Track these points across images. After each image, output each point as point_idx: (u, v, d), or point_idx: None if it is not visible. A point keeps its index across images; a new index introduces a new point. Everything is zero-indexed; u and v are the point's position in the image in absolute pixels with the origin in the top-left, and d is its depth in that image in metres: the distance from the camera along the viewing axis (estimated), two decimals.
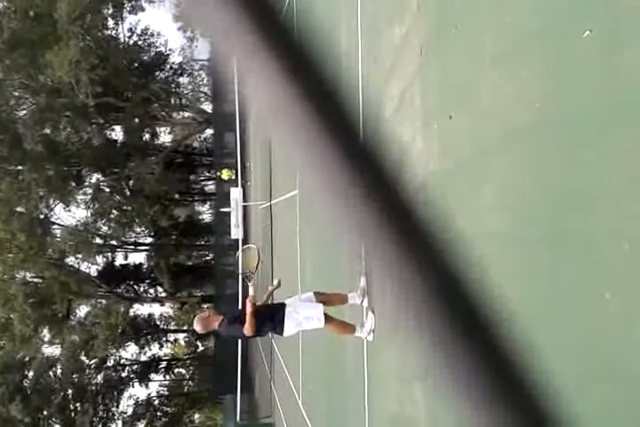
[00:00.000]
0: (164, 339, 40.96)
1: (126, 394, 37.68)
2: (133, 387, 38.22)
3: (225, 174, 22.34)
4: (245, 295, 6.04)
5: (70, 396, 34.29)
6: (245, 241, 23.67)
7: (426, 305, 0.47)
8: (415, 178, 4.45)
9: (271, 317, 5.85)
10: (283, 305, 6.00)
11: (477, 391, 0.48)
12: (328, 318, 5.88)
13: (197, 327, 5.83)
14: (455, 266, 0.47)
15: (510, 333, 0.48)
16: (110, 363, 37.45)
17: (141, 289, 39.97)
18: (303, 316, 5.82)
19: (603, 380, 2.49)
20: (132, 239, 39.63)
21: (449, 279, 0.47)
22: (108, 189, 34.75)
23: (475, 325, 0.48)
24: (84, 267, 35.66)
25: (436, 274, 0.47)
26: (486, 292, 0.48)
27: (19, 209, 30.13)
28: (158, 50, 35.99)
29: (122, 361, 38.26)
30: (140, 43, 34.96)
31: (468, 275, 0.48)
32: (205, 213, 44.99)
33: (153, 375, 39.84)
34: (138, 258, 41.77)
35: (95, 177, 34.89)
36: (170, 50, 36.90)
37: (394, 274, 0.47)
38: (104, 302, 36.65)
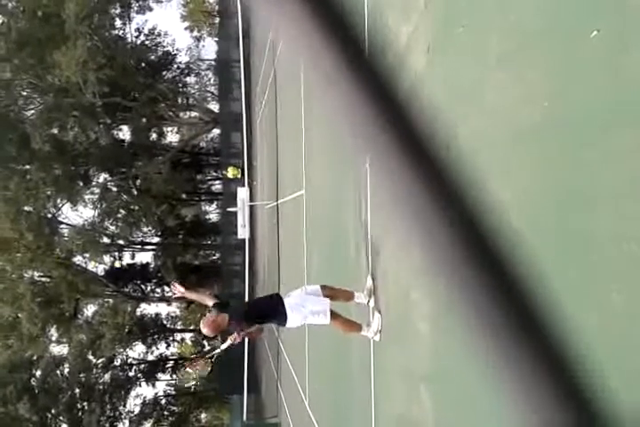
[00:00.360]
0: (171, 338, 41.06)
1: (133, 393, 37.80)
2: (140, 386, 38.34)
3: (230, 173, 22.26)
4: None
5: (78, 395, 34.40)
6: (252, 241, 23.70)
7: (428, 217, 0.47)
8: None
9: (274, 311, 5.80)
10: (279, 297, 5.99)
11: (489, 322, 0.48)
12: (334, 315, 5.80)
13: (206, 331, 5.66)
14: (457, 173, 0.47)
15: (519, 258, 0.47)
16: (117, 362, 37.56)
17: (148, 289, 40.07)
18: (310, 310, 5.73)
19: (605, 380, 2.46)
20: (139, 239, 39.73)
21: (453, 191, 0.47)
22: (115, 189, 34.83)
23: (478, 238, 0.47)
24: (91, 266, 35.80)
25: (439, 183, 0.46)
26: (490, 207, 0.47)
27: (26, 208, 30.24)
28: (165, 50, 36.07)
29: (129, 360, 38.37)
30: (147, 42, 35.04)
31: (471, 188, 0.47)
32: (212, 212, 45.09)
33: (160, 375, 39.94)
34: (145, 257, 41.88)
35: (102, 177, 34.99)
36: (177, 50, 37.02)
37: (397, 183, 0.47)
38: (111, 301, 36.76)
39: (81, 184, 32.90)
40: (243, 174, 22.30)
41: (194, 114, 38.43)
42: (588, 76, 2.68)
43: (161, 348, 39.96)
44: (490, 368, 0.48)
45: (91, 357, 35.28)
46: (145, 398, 38.30)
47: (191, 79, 38.18)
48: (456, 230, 0.47)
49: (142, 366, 38.83)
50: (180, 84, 36.73)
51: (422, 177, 0.46)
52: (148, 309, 39.87)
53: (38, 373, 33.90)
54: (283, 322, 5.84)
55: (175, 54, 36.68)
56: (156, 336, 39.39)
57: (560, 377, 0.48)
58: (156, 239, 40.51)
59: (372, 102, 0.46)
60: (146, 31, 34.92)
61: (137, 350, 38.84)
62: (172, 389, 40.88)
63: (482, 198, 0.45)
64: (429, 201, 0.46)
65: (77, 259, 34.06)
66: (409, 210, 0.41)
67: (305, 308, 5.74)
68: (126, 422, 36.74)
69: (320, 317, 5.75)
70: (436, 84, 4.56)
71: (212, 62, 38.55)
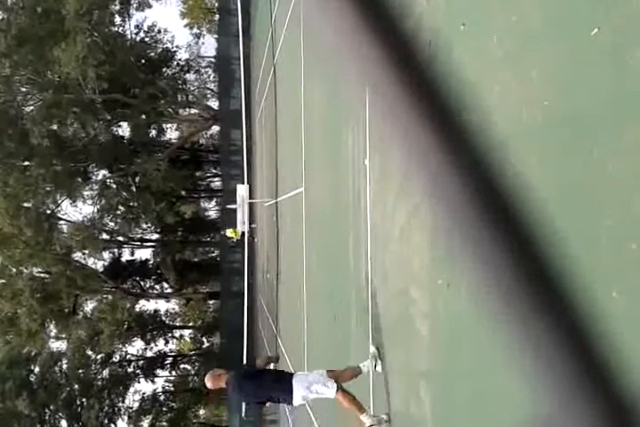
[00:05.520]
0: (170, 335, 41.08)
1: (132, 389, 37.83)
2: (139, 382, 38.36)
3: (229, 233, 22.46)
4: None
5: (76, 391, 34.43)
6: (252, 239, 23.72)
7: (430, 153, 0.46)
8: None
9: (280, 386, 5.94)
10: (290, 376, 6.11)
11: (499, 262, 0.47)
12: (342, 392, 5.89)
13: (208, 383, 6.11)
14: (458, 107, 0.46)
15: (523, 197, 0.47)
16: (116, 358, 37.58)
17: (147, 285, 40.08)
18: (315, 390, 5.91)
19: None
20: (139, 235, 39.72)
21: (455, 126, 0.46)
22: (114, 186, 34.81)
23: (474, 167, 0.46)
24: (90, 262, 35.80)
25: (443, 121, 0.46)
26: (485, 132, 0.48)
27: (26, 204, 30.21)
28: (165, 46, 36.04)
29: (128, 357, 38.39)
30: (146, 39, 34.99)
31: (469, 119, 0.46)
32: (211, 209, 45.10)
33: (158, 371, 39.97)
34: (144, 254, 41.93)
35: (102, 173, 34.98)
36: (176, 46, 36.98)
37: (398, 118, 0.46)
38: (110, 297, 36.76)
39: (80, 180, 32.88)
40: (243, 235, 22.51)
41: (193, 111, 38.40)
42: (590, 73, 2.68)
43: (160, 344, 40.01)
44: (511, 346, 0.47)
45: (90, 353, 35.30)
46: (144, 394, 38.36)
47: (191, 76, 38.17)
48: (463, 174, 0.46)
49: (141, 362, 38.87)
50: (180, 81, 36.69)
51: (423, 112, 0.45)
52: (146, 305, 39.91)
53: (37, 369, 33.91)
54: (289, 401, 5.99)
55: (175, 51, 36.67)
56: (154, 333, 39.41)
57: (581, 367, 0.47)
58: (155, 236, 40.51)
59: (376, 34, 0.45)
60: (145, 28, 34.91)
61: (136, 347, 38.89)
62: (171, 385, 40.92)
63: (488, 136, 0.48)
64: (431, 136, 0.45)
65: (76, 255, 34.09)
66: (410, 142, 0.47)
67: (311, 389, 5.89)
68: (125, 417, 36.80)
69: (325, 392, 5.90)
70: None
71: (212, 59, 38.51)
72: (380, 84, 0.45)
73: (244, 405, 6.46)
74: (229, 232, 22.06)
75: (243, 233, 22.28)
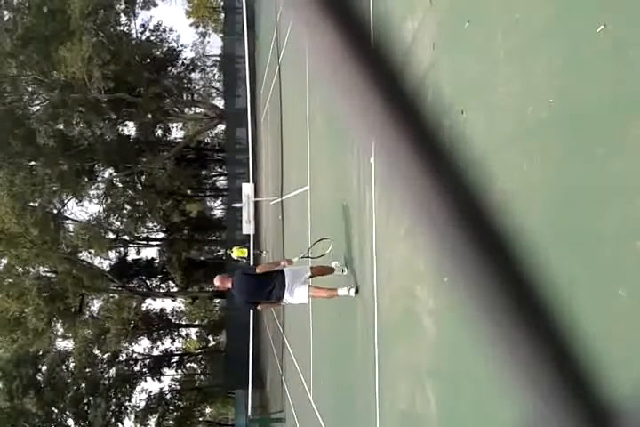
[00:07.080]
0: (176, 333, 41.18)
1: (138, 388, 37.94)
2: (146, 381, 38.47)
3: (235, 253, 22.06)
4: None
5: (83, 390, 34.54)
6: (257, 237, 23.74)
7: (434, 202, 0.47)
8: None
9: (276, 278, 7.20)
10: (282, 273, 7.28)
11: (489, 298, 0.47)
12: (315, 290, 7.38)
13: (216, 282, 7.52)
14: (459, 162, 0.47)
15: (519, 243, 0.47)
16: (123, 357, 37.70)
17: (153, 284, 40.17)
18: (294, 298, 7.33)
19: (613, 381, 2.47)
20: (145, 234, 39.80)
21: (456, 175, 0.46)
22: (120, 185, 34.87)
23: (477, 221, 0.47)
24: (96, 262, 35.89)
25: (443, 170, 0.46)
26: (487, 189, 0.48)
27: (32, 204, 30.29)
28: (170, 45, 36.06)
29: (134, 355, 38.50)
30: (152, 38, 35.03)
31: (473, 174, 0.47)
32: (217, 208, 45.17)
33: (165, 370, 40.07)
34: (150, 253, 41.99)
35: (108, 172, 35.05)
36: (182, 45, 37.00)
37: (401, 168, 0.46)
38: (116, 296, 36.85)
39: (86, 180, 32.94)
40: (248, 254, 22.34)
41: (199, 110, 38.44)
42: (595, 70, 2.68)
43: (166, 343, 40.12)
44: (496, 360, 0.48)
45: (96, 352, 35.42)
46: (150, 392, 38.46)
47: (196, 75, 38.19)
48: (462, 225, 0.47)
49: (147, 361, 38.98)
50: (185, 80, 36.71)
51: (426, 165, 0.46)
52: (153, 304, 40.01)
53: (44, 368, 34.04)
54: (281, 296, 7.21)
55: (180, 50, 36.68)
56: (161, 331, 39.52)
57: (566, 370, 0.47)
58: (161, 235, 40.59)
59: (378, 91, 0.46)
60: (151, 27, 34.93)
61: (142, 345, 39.01)
62: (177, 384, 41.02)
63: (488, 188, 0.48)
64: (433, 189, 0.46)
65: (83, 254, 34.18)
66: (412, 197, 0.47)
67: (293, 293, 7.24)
68: (132, 416, 36.91)
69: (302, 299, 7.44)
70: (441, 80, 4.56)
71: (217, 58, 38.54)
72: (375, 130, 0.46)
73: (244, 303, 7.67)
74: (235, 252, 21.65)
75: (249, 251, 22.04)
